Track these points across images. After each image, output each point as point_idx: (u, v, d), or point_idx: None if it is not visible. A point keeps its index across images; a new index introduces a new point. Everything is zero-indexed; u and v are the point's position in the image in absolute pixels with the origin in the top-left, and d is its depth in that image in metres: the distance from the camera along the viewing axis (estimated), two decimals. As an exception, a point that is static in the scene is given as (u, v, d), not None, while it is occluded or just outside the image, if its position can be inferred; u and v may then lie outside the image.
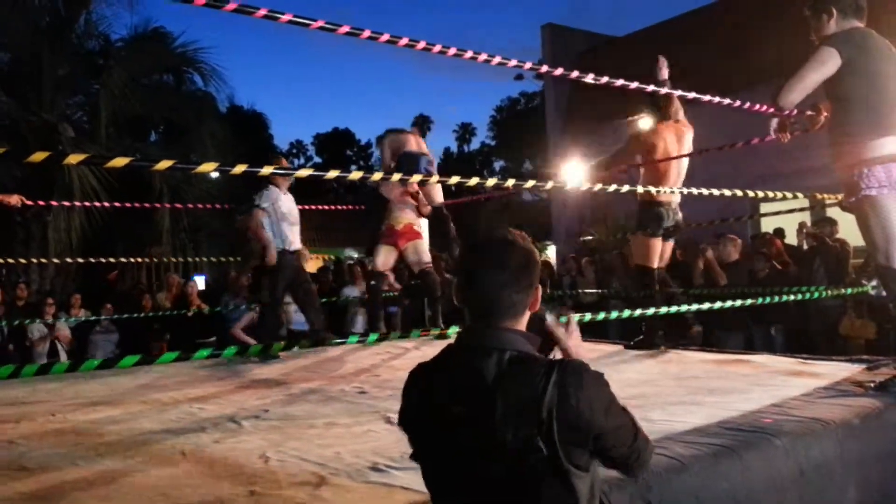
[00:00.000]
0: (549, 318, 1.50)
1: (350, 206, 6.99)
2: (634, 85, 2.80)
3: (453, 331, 2.79)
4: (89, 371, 4.62)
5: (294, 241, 5.41)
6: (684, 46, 13.72)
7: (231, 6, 1.83)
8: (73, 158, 1.63)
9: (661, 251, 4.66)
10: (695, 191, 3.43)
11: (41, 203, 6.09)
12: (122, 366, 1.89)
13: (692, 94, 3.23)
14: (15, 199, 5.04)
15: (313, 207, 7.35)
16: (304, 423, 2.99)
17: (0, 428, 3.11)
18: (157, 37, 12.67)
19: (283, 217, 5.38)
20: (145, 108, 12.14)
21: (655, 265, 4.64)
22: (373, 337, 2.69)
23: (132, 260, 7.49)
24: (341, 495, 2.02)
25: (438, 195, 5.85)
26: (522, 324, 1.41)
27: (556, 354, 1.53)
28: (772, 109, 3.29)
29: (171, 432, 2.93)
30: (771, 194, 3.72)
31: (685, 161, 4.58)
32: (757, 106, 3.41)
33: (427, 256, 5.89)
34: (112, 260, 6.25)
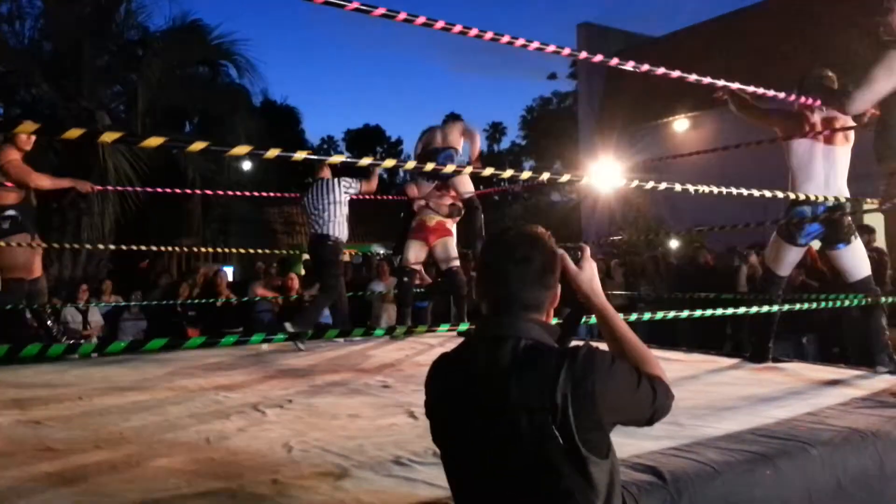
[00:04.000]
0: (561, 251, 1.45)
1: (380, 197, 7.00)
2: (676, 74, 2.72)
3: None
4: (117, 354, 4.69)
5: None
6: (723, 48, 13.55)
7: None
8: (108, 136, 1.62)
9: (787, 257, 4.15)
10: (724, 190, 3.32)
11: (99, 188, 6.26)
12: (149, 348, 1.89)
13: (735, 85, 3.15)
14: (88, 187, 5.21)
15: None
16: (327, 414, 2.97)
17: (28, 409, 3.15)
18: (195, 29, 12.80)
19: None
20: (181, 99, 12.28)
21: (778, 271, 4.19)
22: (400, 330, 2.66)
23: (163, 249, 7.58)
24: (364, 488, 1.99)
25: (467, 186, 5.79)
26: (542, 314, 1.40)
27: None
28: (818, 103, 3.19)
29: (196, 419, 2.94)
30: (812, 197, 3.61)
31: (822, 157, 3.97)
32: (808, 100, 3.32)
33: (455, 255, 5.87)
34: (143, 248, 6.32)
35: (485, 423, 1.29)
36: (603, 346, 1.43)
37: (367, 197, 5.98)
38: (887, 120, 3.39)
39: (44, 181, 4.92)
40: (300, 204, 5.76)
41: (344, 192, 5.46)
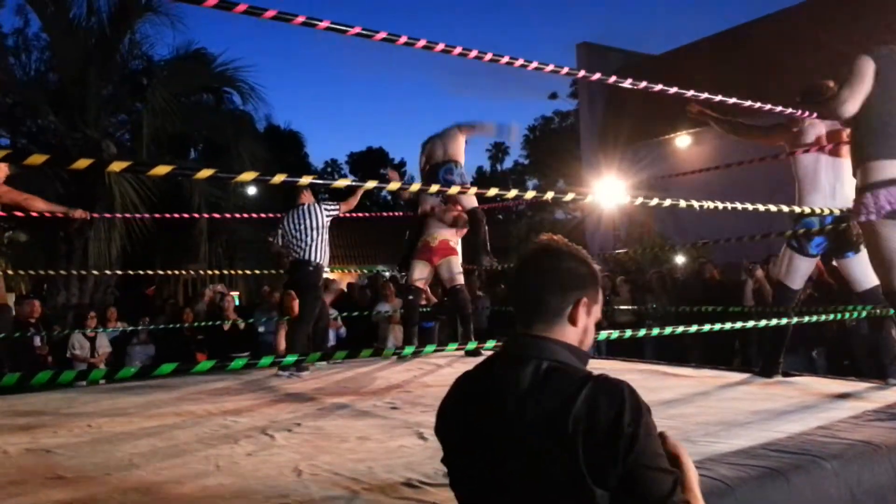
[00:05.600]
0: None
1: (387, 214, 6.98)
2: (673, 90, 2.74)
3: (490, 346, 2.76)
4: (126, 380, 4.69)
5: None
6: (722, 65, 13.62)
7: (242, 6, 1.85)
8: (116, 166, 1.64)
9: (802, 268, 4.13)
10: (730, 205, 3.33)
11: (94, 215, 6.27)
12: (159, 374, 1.89)
13: (732, 100, 3.17)
14: (80, 213, 5.20)
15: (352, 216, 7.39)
16: (336, 437, 2.96)
17: (38, 437, 3.15)
18: (199, 57, 12.93)
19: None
20: (185, 126, 12.35)
21: (791, 284, 4.15)
22: (408, 350, 2.66)
23: (169, 272, 7.59)
24: (374, 510, 1.99)
25: (471, 199, 5.81)
26: (565, 334, 1.36)
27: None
28: (814, 115, 3.21)
29: (205, 444, 2.93)
30: (818, 210, 3.61)
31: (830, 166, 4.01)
32: (806, 114, 3.34)
33: (459, 274, 5.88)
34: (150, 272, 6.33)
35: (499, 442, 1.27)
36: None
37: (350, 215, 5.88)
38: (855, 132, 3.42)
39: (38, 204, 4.93)
40: (278, 231, 5.55)
41: (326, 216, 5.38)
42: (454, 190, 2.91)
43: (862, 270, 3.94)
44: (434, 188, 2.52)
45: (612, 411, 1.18)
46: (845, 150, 3.95)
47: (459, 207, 5.82)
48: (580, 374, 1.27)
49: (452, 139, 5.85)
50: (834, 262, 4.33)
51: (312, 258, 5.30)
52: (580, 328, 1.36)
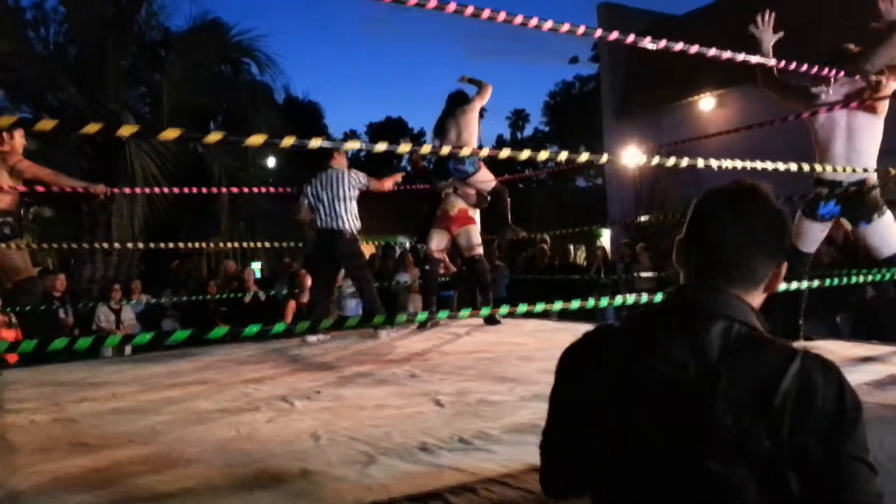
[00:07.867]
0: None
1: (407, 187, 6.87)
2: (694, 49, 2.67)
3: (504, 312, 2.75)
4: (147, 351, 4.77)
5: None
6: (746, 25, 13.29)
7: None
8: (126, 130, 1.64)
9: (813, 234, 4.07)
10: (749, 165, 3.24)
11: (115, 190, 6.34)
12: (174, 341, 1.91)
13: (755, 59, 3.08)
14: (101, 188, 5.21)
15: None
16: (354, 404, 2.99)
17: (63, 406, 3.22)
18: (215, 27, 12.85)
19: None
20: (205, 98, 12.36)
21: (802, 247, 4.09)
22: (421, 316, 2.66)
23: (192, 245, 7.63)
24: (391, 474, 2.00)
25: (487, 178, 5.75)
26: (755, 300, 1.16)
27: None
28: (842, 74, 3.12)
29: (226, 412, 2.98)
30: (838, 169, 3.52)
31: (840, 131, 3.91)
32: (831, 71, 3.25)
33: (478, 243, 5.87)
34: (171, 245, 6.38)
35: (673, 411, 1.06)
36: None
37: (385, 191, 5.75)
38: None
39: (60, 179, 4.96)
40: (303, 193, 5.29)
41: (354, 189, 5.18)
42: (484, 153, 2.86)
43: (881, 238, 3.86)
44: (445, 150, 2.49)
45: (831, 391, 1.04)
46: (865, 109, 3.82)
47: (475, 192, 5.79)
48: (785, 346, 1.10)
49: (465, 116, 5.58)
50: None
51: (346, 227, 5.11)
52: (774, 287, 1.19)
